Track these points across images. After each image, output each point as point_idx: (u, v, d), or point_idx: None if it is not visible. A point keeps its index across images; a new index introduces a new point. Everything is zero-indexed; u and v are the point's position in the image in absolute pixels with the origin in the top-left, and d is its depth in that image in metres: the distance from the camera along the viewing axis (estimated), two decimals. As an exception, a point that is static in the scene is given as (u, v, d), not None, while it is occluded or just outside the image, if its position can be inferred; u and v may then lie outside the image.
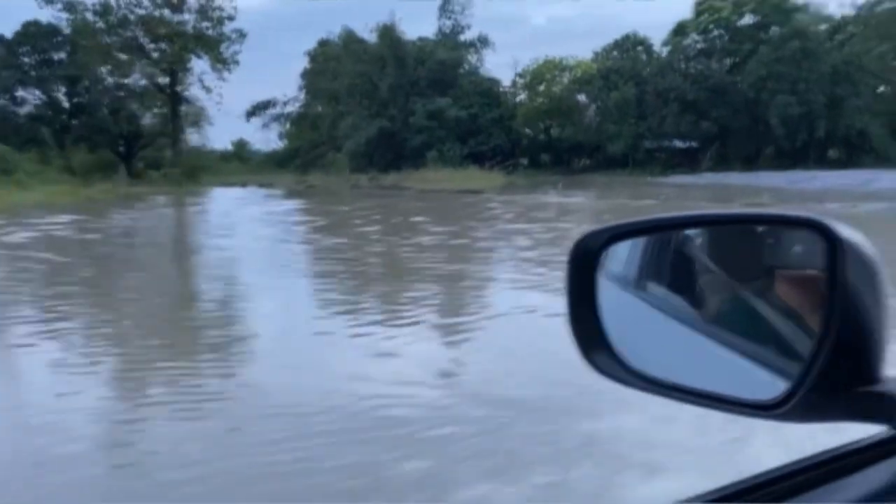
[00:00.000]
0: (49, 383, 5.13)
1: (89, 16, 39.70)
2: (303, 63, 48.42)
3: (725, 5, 41.13)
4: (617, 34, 48.90)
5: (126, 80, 41.04)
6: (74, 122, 41.06)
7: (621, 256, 0.82)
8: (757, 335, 0.69)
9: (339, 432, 3.97)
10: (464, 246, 12.85)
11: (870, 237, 0.62)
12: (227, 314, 7.89)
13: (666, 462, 3.53)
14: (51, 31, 40.07)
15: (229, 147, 54.09)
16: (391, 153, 41.67)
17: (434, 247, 12.54)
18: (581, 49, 75.52)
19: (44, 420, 4.29)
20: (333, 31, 51.35)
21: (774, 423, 0.64)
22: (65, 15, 39.69)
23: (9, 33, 39.75)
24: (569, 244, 0.80)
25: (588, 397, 4.16)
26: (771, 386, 0.63)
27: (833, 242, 0.60)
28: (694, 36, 42.68)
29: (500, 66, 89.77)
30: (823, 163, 37.67)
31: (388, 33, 43.29)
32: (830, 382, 0.60)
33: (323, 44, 47.37)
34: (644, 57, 44.14)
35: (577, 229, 1.13)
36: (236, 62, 41.97)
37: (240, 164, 49.79)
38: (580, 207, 21.96)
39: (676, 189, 28.92)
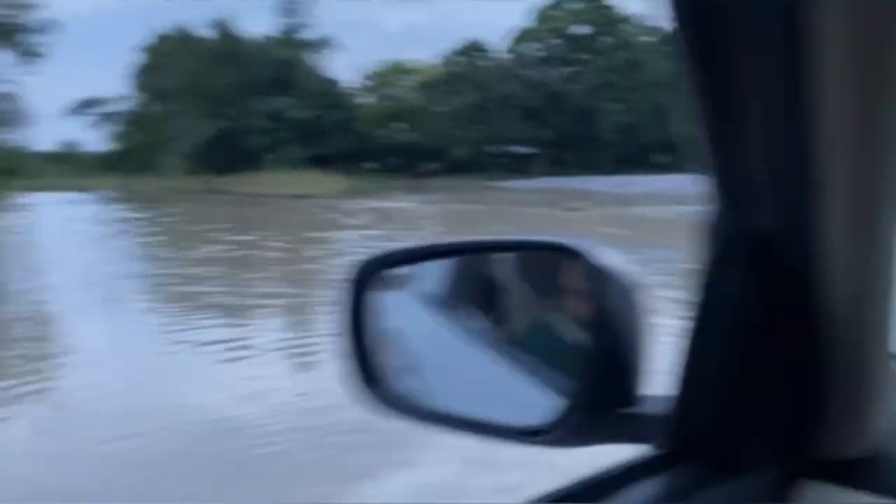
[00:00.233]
0: None
1: None
2: (136, 59, 45.41)
3: (563, 15, 42.52)
4: (466, 40, 49.52)
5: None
6: None
7: (433, 276, 0.80)
8: (552, 357, 0.69)
9: None
10: (236, 259, 11.95)
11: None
12: None
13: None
14: None
15: (57, 148, 49.89)
16: (229, 155, 39.76)
17: (206, 260, 11.55)
18: (431, 54, 76.20)
19: None
20: (170, 26, 48.56)
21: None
22: None
23: None
24: (362, 256, 0.77)
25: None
26: (550, 411, 0.63)
27: (589, 267, 0.61)
28: (534, 44, 43.81)
29: (352, 69, 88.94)
30: (653, 168, 39.70)
31: (223, 29, 41.33)
32: (594, 405, 0.62)
33: (158, 39, 44.61)
34: (487, 63, 44.82)
35: (374, 244, 0.96)
36: (45, 54, 38.46)
37: (66, 166, 45.87)
38: (404, 214, 21.56)
39: (512, 194, 29.35)
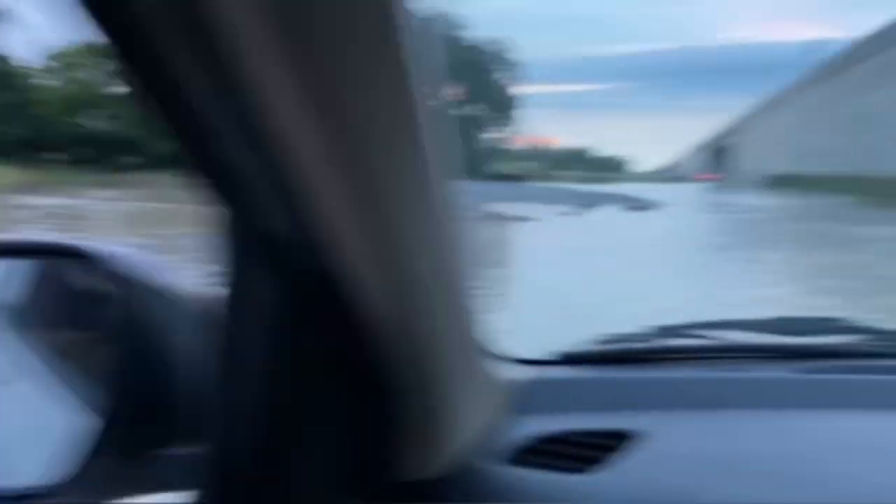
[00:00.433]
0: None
1: None
2: None
3: None
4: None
5: None
6: None
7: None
8: (67, 390, 0.57)
9: None
10: None
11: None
12: None
13: None
14: None
15: None
16: None
17: None
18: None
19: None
20: None
21: None
22: None
23: None
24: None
25: None
26: (59, 463, 0.52)
27: (108, 273, 0.53)
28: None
29: (34, 47, 78.23)
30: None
31: None
32: (119, 449, 0.54)
33: None
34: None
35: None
36: None
37: None
38: (84, 213, 19.07)
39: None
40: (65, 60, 41.49)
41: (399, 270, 0.51)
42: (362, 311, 0.53)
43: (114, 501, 0.52)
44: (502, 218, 12.52)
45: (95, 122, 40.68)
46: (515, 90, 49.41)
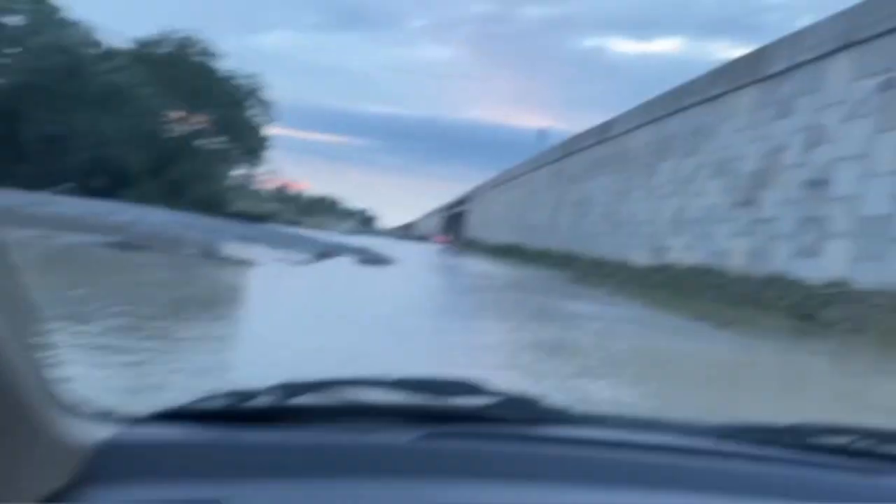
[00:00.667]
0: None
1: None
2: None
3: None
4: None
5: None
6: None
7: None
8: None
9: None
10: None
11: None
12: None
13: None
14: None
15: None
16: None
17: None
18: None
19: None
20: None
21: None
22: None
23: None
24: None
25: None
26: None
27: None
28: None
29: None
30: (85, 191, 36.35)
31: None
32: None
33: None
34: None
35: None
36: None
37: None
38: None
39: None
40: None
41: None
42: None
43: None
44: (230, 261, 11.54)
45: None
46: (267, 130, 48.17)
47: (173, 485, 0.74)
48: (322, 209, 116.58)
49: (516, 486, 0.83)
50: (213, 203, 41.44)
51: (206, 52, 43.67)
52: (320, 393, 0.94)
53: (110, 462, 0.73)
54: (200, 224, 18.98)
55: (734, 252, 18.38)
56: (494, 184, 60.12)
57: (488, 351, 5.90)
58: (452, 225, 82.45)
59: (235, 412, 0.89)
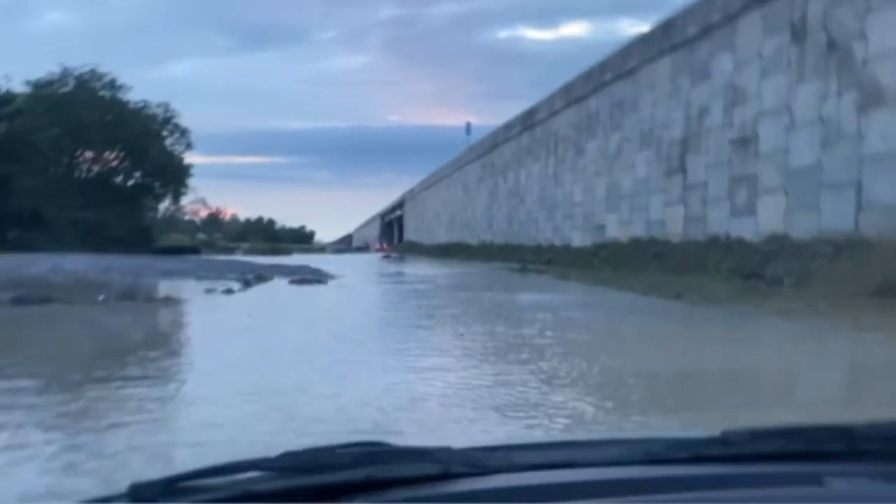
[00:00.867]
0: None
1: None
2: None
3: None
4: None
5: None
6: None
7: None
8: None
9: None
10: None
11: None
12: None
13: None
14: None
15: None
16: None
17: None
18: None
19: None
20: None
21: None
22: None
23: None
24: None
25: None
26: None
27: None
28: None
29: None
30: (3, 244, 34.43)
31: None
32: None
33: None
34: None
35: None
36: None
37: None
38: None
39: None
40: None
41: None
42: None
43: None
44: (150, 301, 10.74)
45: None
46: (187, 158, 46.58)
47: None
48: (256, 232, 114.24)
49: None
50: (139, 240, 39.80)
51: (112, 86, 41.89)
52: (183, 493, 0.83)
53: None
54: (122, 265, 17.94)
55: (671, 221, 18.37)
56: (426, 185, 59.75)
57: (437, 371, 5.41)
58: (390, 231, 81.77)
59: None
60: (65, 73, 40.41)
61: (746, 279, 12.88)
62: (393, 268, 29.67)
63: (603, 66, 23.20)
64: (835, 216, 12.58)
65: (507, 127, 35.18)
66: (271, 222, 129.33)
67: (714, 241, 15.89)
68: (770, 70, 14.59)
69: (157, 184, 44.96)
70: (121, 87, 42.06)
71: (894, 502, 0.88)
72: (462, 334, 6.86)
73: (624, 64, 21.49)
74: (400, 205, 75.75)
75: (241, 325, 7.63)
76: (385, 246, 69.48)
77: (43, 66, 40.30)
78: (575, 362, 5.69)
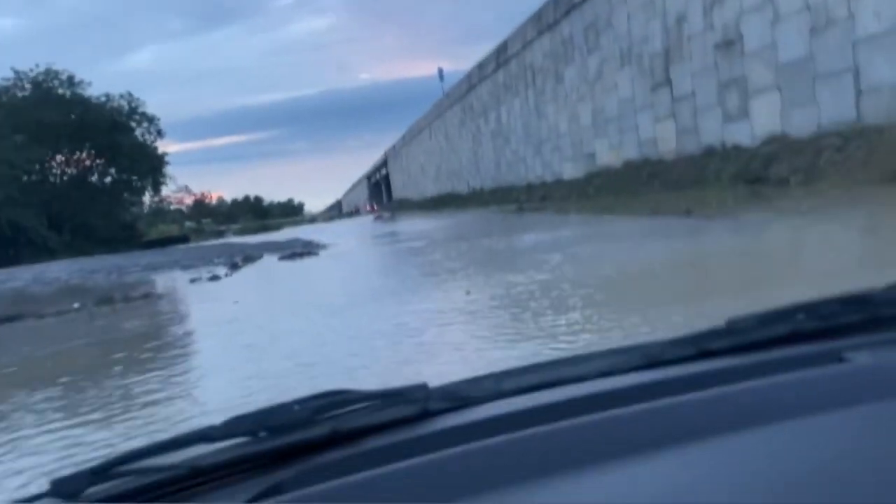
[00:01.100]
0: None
1: None
2: None
3: None
4: None
5: None
6: None
7: None
8: None
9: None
10: None
11: None
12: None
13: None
14: None
15: None
16: None
17: None
18: None
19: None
20: None
21: None
22: None
23: None
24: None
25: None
26: None
27: None
28: None
29: None
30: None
31: None
32: None
33: None
34: None
35: None
36: None
37: None
38: None
39: None
40: None
41: None
42: None
43: None
44: (129, 299, 10.15)
45: None
46: (159, 146, 45.46)
47: None
48: (245, 211, 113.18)
49: None
50: (126, 237, 39.07)
51: (71, 83, 40.54)
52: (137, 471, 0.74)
53: None
54: (106, 265, 17.28)
55: (662, 138, 17.70)
56: (407, 139, 58.68)
57: (447, 328, 4.86)
58: (378, 192, 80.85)
59: None
60: (19, 77, 39.10)
61: (751, 184, 12.31)
62: (386, 228, 29.05)
63: (570, -13, 22.19)
64: (834, 107, 11.94)
65: (481, 66, 34.11)
66: (259, 200, 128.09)
67: (710, 152, 15.27)
68: (748, -38, 13.75)
69: (133, 177, 43.97)
70: (80, 83, 40.74)
71: None
72: (468, 292, 6.25)
73: (592, -19, 20.51)
74: (384, 163, 74.67)
75: (224, 316, 7.04)
76: (375, 207, 68.67)
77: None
78: (624, 310, 5.04)
